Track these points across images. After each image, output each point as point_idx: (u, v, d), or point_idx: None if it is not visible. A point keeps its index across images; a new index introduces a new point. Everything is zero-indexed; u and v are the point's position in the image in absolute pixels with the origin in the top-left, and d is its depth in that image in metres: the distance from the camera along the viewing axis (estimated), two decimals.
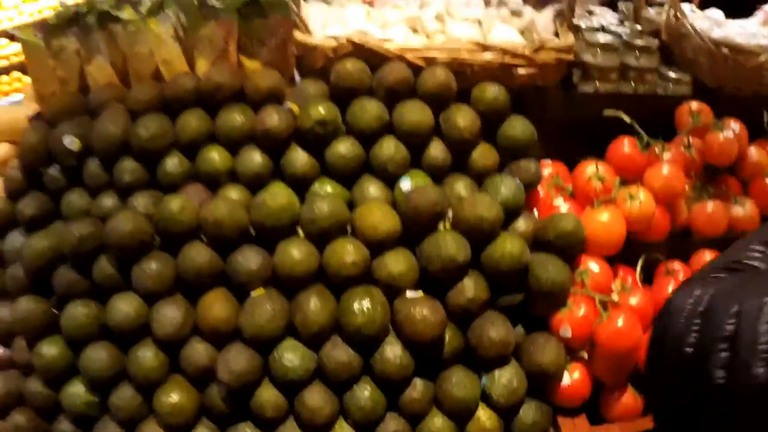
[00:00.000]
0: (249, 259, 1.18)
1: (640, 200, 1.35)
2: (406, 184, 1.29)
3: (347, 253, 1.17)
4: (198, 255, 1.19)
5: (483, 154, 1.35)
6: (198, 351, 1.18)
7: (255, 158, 1.29)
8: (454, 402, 1.18)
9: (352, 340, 1.16)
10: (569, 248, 1.28)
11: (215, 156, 1.30)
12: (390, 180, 1.31)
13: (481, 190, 1.32)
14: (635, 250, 1.42)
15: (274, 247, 1.20)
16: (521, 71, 1.46)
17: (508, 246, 1.22)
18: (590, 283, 1.28)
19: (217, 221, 1.17)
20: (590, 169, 1.39)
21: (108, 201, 1.32)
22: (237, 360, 1.14)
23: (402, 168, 1.31)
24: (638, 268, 1.38)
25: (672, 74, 1.63)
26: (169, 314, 1.18)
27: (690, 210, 1.51)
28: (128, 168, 1.31)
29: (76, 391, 1.23)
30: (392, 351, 1.17)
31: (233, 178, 1.31)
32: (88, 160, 1.35)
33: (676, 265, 1.43)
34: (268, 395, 1.16)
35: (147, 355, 1.19)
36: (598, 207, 1.35)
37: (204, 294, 1.21)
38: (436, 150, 1.33)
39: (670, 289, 1.34)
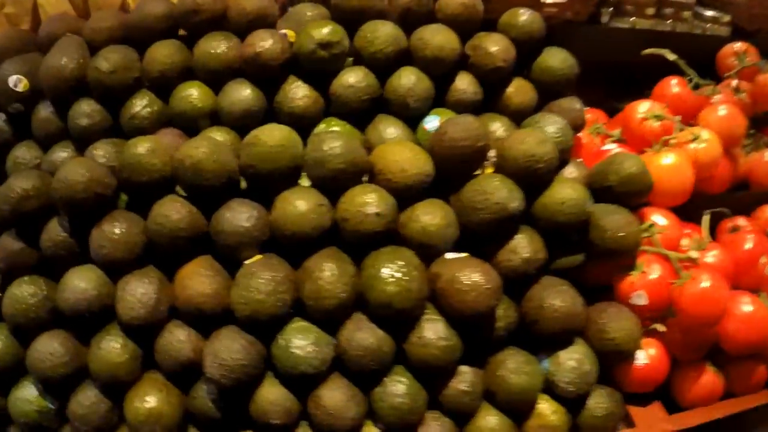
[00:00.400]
0: (239, 214, 0.83)
1: (706, 142, 1.08)
2: (432, 122, 0.97)
3: (369, 202, 0.82)
4: (173, 212, 0.83)
5: (520, 89, 1.03)
6: (178, 339, 0.83)
7: (243, 93, 0.94)
8: (512, 393, 0.85)
9: (380, 318, 0.82)
10: (634, 196, 0.96)
11: (194, 93, 0.95)
12: (411, 119, 0.98)
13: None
14: (695, 204, 1.15)
15: (272, 200, 0.86)
16: (549, 3, 1.19)
17: (568, 191, 0.91)
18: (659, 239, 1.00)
19: (196, 165, 0.82)
20: (644, 107, 1.10)
21: (61, 153, 0.97)
22: (229, 349, 0.79)
23: (426, 103, 0.97)
24: (705, 224, 1.10)
25: (709, 13, 1.38)
26: (139, 291, 0.83)
27: (746, 160, 1.26)
28: (85, 111, 0.95)
29: (26, 395, 0.88)
30: (433, 330, 0.83)
31: (216, 121, 0.98)
32: (39, 104, 1.00)
33: (741, 220, 1.17)
34: (272, 395, 0.82)
35: (112, 347, 0.83)
36: (660, 150, 1.06)
37: (183, 264, 0.86)
38: (464, 82, 1.00)
39: (747, 246, 1.07)
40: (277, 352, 0.82)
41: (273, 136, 0.85)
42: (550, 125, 0.99)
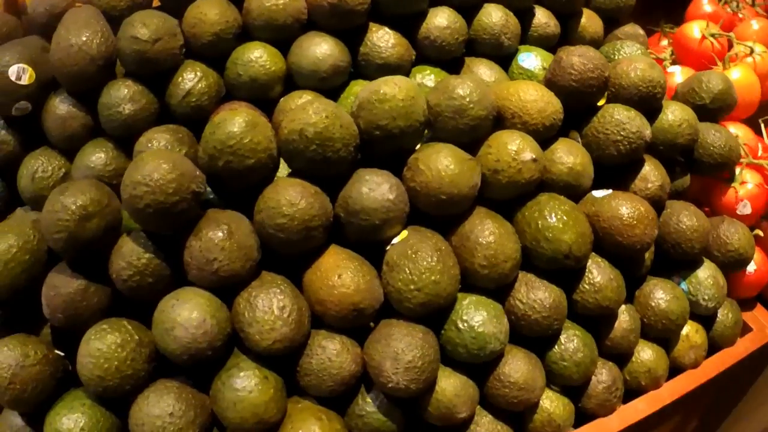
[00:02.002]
0: (379, 186, 0.63)
1: (761, 54, 1.02)
2: (529, 60, 0.83)
3: (523, 148, 0.66)
4: (299, 197, 0.61)
5: (591, 19, 0.91)
6: (334, 353, 0.61)
7: (323, 48, 0.72)
8: (666, 322, 0.75)
9: (553, 272, 0.68)
10: (722, 112, 0.88)
11: (262, 55, 0.71)
12: (502, 59, 0.83)
13: None
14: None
15: (397, 164, 0.66)
16: None
17: (681, 113, 0.80)
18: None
19: (323, 134, 0.60)
20: (699, 26, 1.02)
21: (99, 154, 0.68)
22: (411, 347, 0.60)
23: (517, 40, 0.82)
24: (766, 133, 1.06)
25: None
26: (275, 305, 0.60)
27: None
28: (126, 94, 0.67)
29: None
30: (602, 272, 0.69)
31: (289, 86, 0.76)
32: (51, 99, 0.70)
33: None
34: (453, 387, 0.63)
35: (252, 385, 0.59)
36: (728, 66, 1.00)
37: (306, 261, 0.65)
38: (545, 16, 0.86)
39: None
40: (456, 336, 0.64)
41: (401, 88, 0.64)
42: (633, 51, 0.89)
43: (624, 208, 0.70)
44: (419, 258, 0.62)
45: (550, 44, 0.87)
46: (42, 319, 0.64)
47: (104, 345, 0.58)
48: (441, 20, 0.77)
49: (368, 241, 0.65)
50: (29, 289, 0.62)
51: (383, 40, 0.74)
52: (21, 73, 0.67)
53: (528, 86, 0.72)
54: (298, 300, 0.62)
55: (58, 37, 0.67)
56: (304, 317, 0.62)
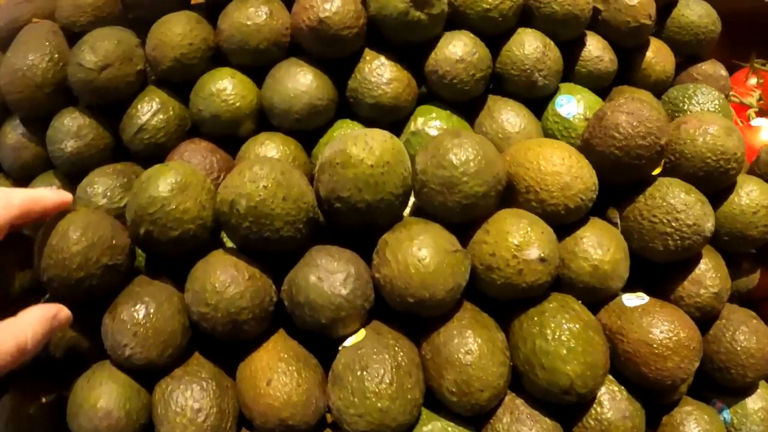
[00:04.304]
0: (332, 276, 0.44)
1: None
2: (569, 105, 0.59)
3: (529, 241, 0.44)
4: (228, 282, 0.43)
5: (660, 53, 0.63)
6: None
7: (303, 80, 0.52)
8: None
9: (547, 405, 0.46)
10: None
11: (227, 87, 0.52)
12: (536, 102, 0.59)
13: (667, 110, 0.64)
14: None
15: (368, 241, 0.47)
16: None
17: (759, 195, 0.53)
18: None
19: (258, 210, 0.42)
20: None
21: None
22: None
23: (557, 78, 0.58)
24: None
25: None
26: (190, 404, 0.43)
27: None
28: (70, 128, 0.52)
29: None
30: (616, 407, 0.47)
31: (262, 122, 0.57)
32: (3, 125, 0.56)
33: None
34: None
35: None
36: None
37: (245, 349, 0.47)
38: (598, 47, 0.60)
39: None
40: None
41: (372, 150, 0.44)
42: (708, 102, 0.60)
43: (657, 331, 0.47)
44: (367, 376, 0.43)
45: (603, 84, 0.61)
46: None
47: None
48: (454, 50, 0.54)
49: (313, 337, 0.47)
50: None
51: (376, 73, 0.53)
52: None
53: (554, 151, 0.49)
54: (221, 401, 0.45)
55: (6, 59, 0.52)
56: (226, 423, 0.45)
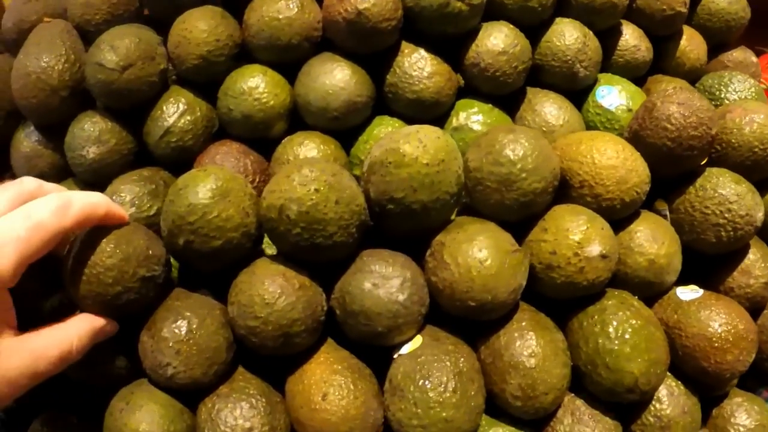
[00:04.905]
0: (387, 282, 0.41)
1: None
2: (611, 97, 0.57)
3: (590, 238, 0.42)
4: (277, 292, 0.40)
5: (693, 41, 0.62)
6: None
7: (339, 76, 0.49)
8: None
9: (609, 403, 0.45)
10: None
11: (259, 85, 0.49)
12: (574, 94, 0.57)
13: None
14: None
15: (418, 244, 0.44)
16: None
17: None
18: None
19: (310, 216, 0.39)
20: None
21: None
22: None
23: (597, 69, 0.55)
24: None
25: None
26: (240, 423, 0.40)
27: None
28: (90, 133, 0.48)
29: None
30: (675, 403, 0.45)
31: (295, 122, 0.54)
32: (17, 133, 0.52)
33: None
34: None
35: None
36: None
37: (292, 362, 0.44)
38: (635, 36, 0.58)
39: None
40: None
41: (427, 148, 0.41)
42: (745, 90, 0.59)
43: (716, 324, 0.46)
44: (429, 385, 0.40)
45: (639, 73, 0.60)
46: None
47: None
48: (496, 42, 0.51)
49: (371, 346, 0.44)
50: None
51: (416, 67, 0.50)
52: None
53: (607, 144, 0.47)
54: (272, 418, 0.42)
55: (17, 62, 0.48)
56: None
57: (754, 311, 0.54)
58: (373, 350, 0.45)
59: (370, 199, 0.44)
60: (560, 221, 0.44)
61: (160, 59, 0.50)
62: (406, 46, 0.52)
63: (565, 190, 0.48)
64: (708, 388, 0.50)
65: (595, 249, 0.43)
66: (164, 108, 0.50)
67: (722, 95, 0.59)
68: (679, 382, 0.48)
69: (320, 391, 0.42)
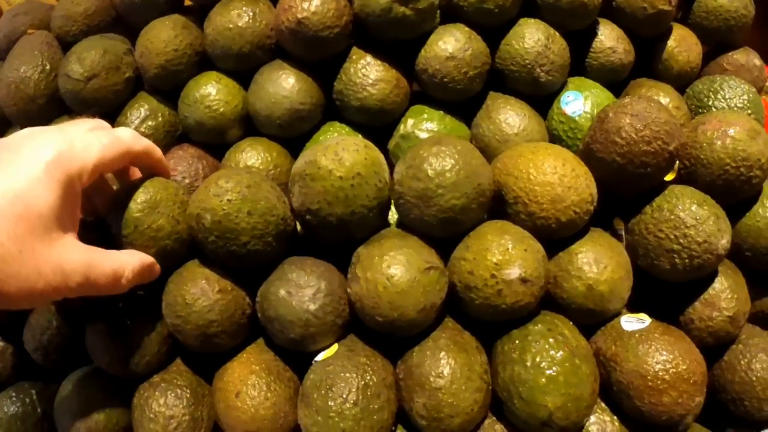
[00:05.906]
0: (300, 291, 0.42)
1: None
2: (575, 104, 0.53)
3: (510, 260, 0.39)
4: (198, 295, 0.42)
5: (683, 42, 0.55)
6: None
7: (285, 84, 0.49)
8: None
9: (541, 430, 0.41)
10: None
11: (211, 92, 0.50)
12: (536, 99, 0.53)
13: (692, 107, 0.56)
14: None
15: (343, 254, 0.44)
16: None
17: None
18: None
19: (222, 225, 0.40)
20: None
21: None
22: None
23: (562, 73, 0.51)
24: None
25: None
26: (165, 411, 0.43)
27: None
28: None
29: None
30: None
31: (250, 128, 0.55)
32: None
33: None
34: None
35: None
36: None
37: (219, 359, 0.46)
38: (612, 37, 0.53)
39: None
40: None
41: (342, 162, 0.41)
42: (736, 96, 0.52)
43: (653, 361, 0.41)
44: (331, 395, 0.41)
45: (618, 77, 0.54)
46: None
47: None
48: (444, 46, 0.49)
49: (287, 351, 0.45)
50: None
51: (361, 74, 0.49)
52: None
53: (546, 158, 0.44)
54: (194, 409, 0.45)
55: (1, 72, 0.52)
56: (201, 428, 0.45)
57: (720, 347, 0.48)
58: (306, 355, 0.46)
59: (293, 209, 0.44)
60: (482, 240, 0.42)
61: (126, 68, 0.53)
62: (355, 53, 0.51)
63: (501, 206, 0.45)
64: (658, 428, 0.46)
65: (514, 272, 0.40)
66: (128, 114, 0.53)
67: (710, 103, 0.52)
68: (615, 418, 0.44)
69: (235, 388, 0.44)
